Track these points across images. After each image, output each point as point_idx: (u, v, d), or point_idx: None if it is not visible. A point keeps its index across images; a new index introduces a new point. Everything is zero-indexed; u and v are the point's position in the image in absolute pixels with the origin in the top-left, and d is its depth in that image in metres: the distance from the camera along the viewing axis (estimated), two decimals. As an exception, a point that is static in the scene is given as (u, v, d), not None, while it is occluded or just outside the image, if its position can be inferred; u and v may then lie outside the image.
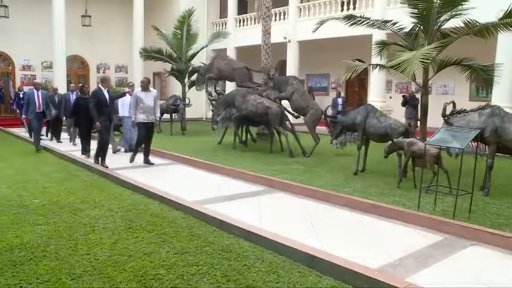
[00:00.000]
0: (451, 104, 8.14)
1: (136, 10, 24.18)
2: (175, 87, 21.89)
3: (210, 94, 15.35)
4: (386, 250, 5.04)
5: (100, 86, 9.93)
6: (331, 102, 18.43)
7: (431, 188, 7.00)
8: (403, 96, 15.63)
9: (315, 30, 10.95)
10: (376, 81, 17.91)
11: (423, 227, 5.87)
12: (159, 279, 4.12)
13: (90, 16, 24.88)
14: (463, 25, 9.01)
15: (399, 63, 7.91)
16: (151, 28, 19.83)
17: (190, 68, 18.49)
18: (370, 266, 4.38)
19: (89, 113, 10.22)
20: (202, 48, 19.34)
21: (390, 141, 8.17)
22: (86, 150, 11.54)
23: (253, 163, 10.20)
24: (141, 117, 10.18)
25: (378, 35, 14.29)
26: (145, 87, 10.30)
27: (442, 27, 9.49)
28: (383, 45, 10.69)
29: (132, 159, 10.59)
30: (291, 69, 21.05)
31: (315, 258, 4.45)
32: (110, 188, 7.85)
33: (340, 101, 19.06)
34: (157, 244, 5.03)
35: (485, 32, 8.91)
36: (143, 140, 10.46)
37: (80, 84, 15.01)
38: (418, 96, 12.27)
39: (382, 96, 18.30)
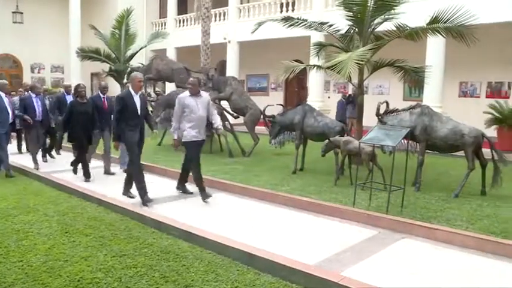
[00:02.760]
0: (385, 104, 8.46)
1: (73, 8, 23.50)
2: (113, 88, 21.41)
3: (149, 95, 15.14)
4: (323, 246, 5.18)
5: (130, 88, 7.17)
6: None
7: (367, 184, 7.24)
8: (348, 95, 15.98)
9: (254, 31, 11.05)
10: (314, 81, 18.28)
11: (359, 222, 6.09)
12: (97, 283, 4.05)
13: (21, 13, 23.84)
14: (395, 28, 9.41)
15: (335, 64, 8.13)
16: (88, 27, 19.32)
17: (129, 69, 18.16)
18: (308, 262, 4.49)
19: (88, 124, 8.64)
20: (141, 49, 19.08)
21: (327, 140, 8.38)
22: (87, 174, 8.84)
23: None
24: (192, 134, 7.15)
25: (316, 36, 14.59)
26: (195, 90, 7.25)
27: (376, 30, 9.86)
28: (320, 46, 10.96)
29: (180, 188, 7.85)
30: (231, 70, 21.10)
31: (254, 256, 4.52)
32: (45, 192, 7.58)
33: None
34: (94, 247, 4.94)
35: (414, 35, 9.34)
36: (198, 165, 7.31)
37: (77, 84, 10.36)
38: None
39: (321, 96, 18.70)
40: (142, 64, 17.15)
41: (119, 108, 6.99)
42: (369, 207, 6.55)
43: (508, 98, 16.32)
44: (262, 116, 11.13)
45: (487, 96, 17.02)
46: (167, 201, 7.27)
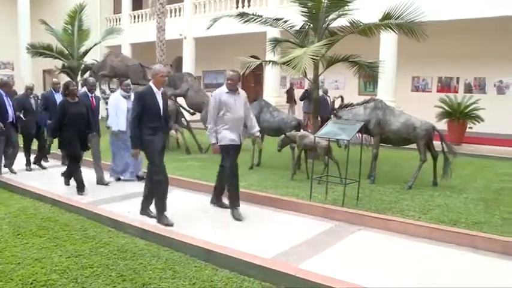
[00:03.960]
0: (340, 98, 8.61)
1: (22, 1, 22.70)
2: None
3: (103, 92, 14.86)
4: (280, 240, 5.22)
5: (151, 83, 5.87)
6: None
7: (323, 178, 7.34)
8: (305, 91, 16.16)
9: (209, 27, 11.00)
10: (270, 77, 18.39)
11: (315, 215, 6.17)
12: (51, 284, 3.96)
13: (-37, 5, 22.91)
14: (349, 24, 9.56)
15: (291, 60, 8.19)
16: (39, 22, 18.75)
17: (83, 66, 17.77)
18: (265, 256, 4.53)
19: (82, 127, 7.34)
20: (95, 45, 18.67)
21: (283, 135, 8.45)
22: (80, 187, 7.41)
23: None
24: (228, 137, 6.06)
25: (272, 32, 14.66)
26: (234, 85, 6.12)
27: (330, 26, 10.00)
28: (276, 42, 11.02)
29: (214, 201, 6.77)
30: (188, 66, 20.99)
31: (211, 252, 4.52)
32: (-6, 194, 7.33)
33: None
34: (49, 249, 4.82)
35: (368, 31, 9.51)
36: (235, 173, 6.27)
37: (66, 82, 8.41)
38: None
39: (277, 92, 18.83)
40: (96, 61, 16.83)
41: (139, 108, 5.71)
42: (325, 201, 6.64)
43: (457, 92, 16.92)
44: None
45: (438, 91, 17.61)
46: (120, 200, 7.12)
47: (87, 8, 18.28)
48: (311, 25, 9.95)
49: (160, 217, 5.77)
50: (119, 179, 8.42)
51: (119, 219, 5.63)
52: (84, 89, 8.32)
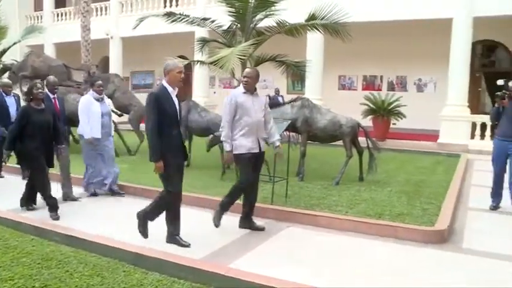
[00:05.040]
0: (267, 98, 8.70)
1: None
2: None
3: (25, 94, 14.16)
4: (210, 240, 5.21)
5: (165, 82, 4.98)
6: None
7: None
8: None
9: (135, 27, 10.79)
10: (199, 77, 18.32)
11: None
12: (-35, 302, 3.74)
13: None
14: (275, 24, 9.70)
15: (218, 59, 8.19)
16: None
17: (1, 66, 16.85)
18: (195, 257, 4.51)
19: (49, 138, 6.18)
20: (14, 44, 17.74)
21: (212, 135, 8.44)
22: (53, 207, 6.15)
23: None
24: (246, 144, 5.38)
25: (200, 32, 14.59)
26: (252, 85, 5.48)
27: (258, 26, 10.07)
28: (204, 42, 10.98)
29: (217, 220, 5.50)
30: (115, 67, 20.46)
31: (140, 256, 4.45)
32: None
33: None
34: (-37, 263, 4.52)
35: (294, 31, 9.69)
36: (250, 185, 5.54)
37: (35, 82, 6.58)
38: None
39: (206, 92, 18.79)
40: (16, 61, 15.98)
41: (155, 113, 4.80)
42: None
43: (381, 90, 17.65)
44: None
45: (363, 89, 18.28)
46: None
47: (4, 3, 17.35)
48: (238, 25, 9.99)
49: (173, 238, 5.08)
50: (94, 194, 7.39)
51: (42, 226, 5.40)
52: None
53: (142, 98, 13.15)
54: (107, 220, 6.14)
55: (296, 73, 10.95)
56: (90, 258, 4.60)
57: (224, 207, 5.50)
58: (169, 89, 4.93)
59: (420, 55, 16.47)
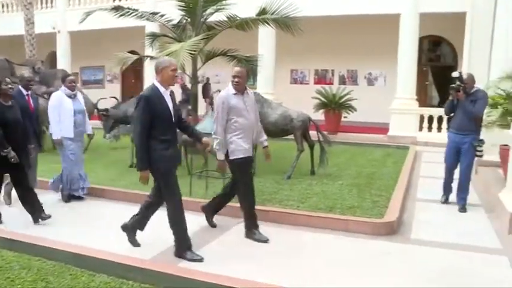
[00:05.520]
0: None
1: None
2: None
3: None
4: (160, 239, 5.08)
5: (156, 82, 4.52)
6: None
7: (203, 173, 7.33)
8: (182, 85, 16.05)
9: (82, 21, 10.46)
10: (150, 72, 17.97)
11: (197, 211, 6.08)
12: None
13: None
14: (226, 19, 9.63)
15: (168, 54, 8.06)
16: None
17: None
18: (144, 257, 4.43)
19: (22, 138, 5.74)
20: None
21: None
22: (37, 212, 5.76)
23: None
24: (241, 147, 5.05)
25: (151, 26, 14.35)
26: (242, 85, 5.09)
27: (208, 20, 9.99)
28: (154, 36, 10.78)
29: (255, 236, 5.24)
30: (63, 62, 19.81)
31: (86, 258, 4.32)
32: None
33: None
34: None
35: (245, 25, 9.67)
36: (252, 191, 5.27)
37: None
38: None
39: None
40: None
41: (146, 116, 4.36)
42: (206, 196, 6.60)
43: (332, 84, 17.88)
44: (96, 110, 10.68)
45: (315, 83, 18.49)
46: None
47: None
48: (189, 19, 9.86)
49: (184, 252, 4.62)
50: (70, 197, 6.83)
51: (-20, 231, 5.15)
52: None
53: (94, 94, 12.88)
54: (88, 227, 5.79)
55: (247, 68, 10.90)
56: (34, 263, 4.41)
57: (216, 204, 5.56)
58: (162, 89, 4.46)
59: (370, 49, 16.79)
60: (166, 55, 7.99)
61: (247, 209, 5.20)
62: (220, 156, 5.09)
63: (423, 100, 16.64)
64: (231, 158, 5.03)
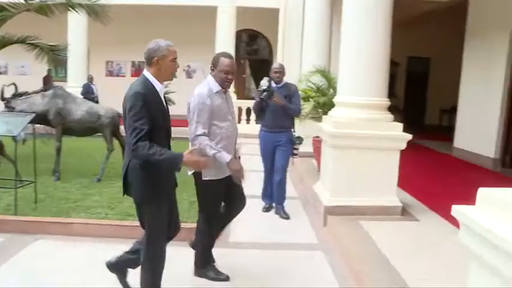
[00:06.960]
0: (12, 86, 7.48)
1: None
2: None
3: None
4: None
5: (149, 76, 3.29)
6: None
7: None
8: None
9: None
10: None
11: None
12: None
13: None
14: (23, 1, 8.39)
15: None
16: None
17: None
18: None
19: None
20: None
21: None
22: None
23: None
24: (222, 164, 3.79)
25: None
26: (229, 82, 3.95)
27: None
28: None
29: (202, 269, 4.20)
30: None
31: None
32: None
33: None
34: None
35: (47, 9, 8.54)
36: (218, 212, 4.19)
37: None
38: None
39: None
40: None
41: (145, 116, 3.12)
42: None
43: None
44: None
45: (132, 75, 17.83)
46: None
47: None
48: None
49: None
50: None
51: None
52: None
53: None
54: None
55: (53, 58, 9.74)
56: None
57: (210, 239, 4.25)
58: (158, 86, 3.31)
59: (189, 41, 16.44)
60: None
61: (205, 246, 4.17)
62: (226, 156, 3.77)
63: (241, 92, 16.95)
64: (207, 178, 3.85)
